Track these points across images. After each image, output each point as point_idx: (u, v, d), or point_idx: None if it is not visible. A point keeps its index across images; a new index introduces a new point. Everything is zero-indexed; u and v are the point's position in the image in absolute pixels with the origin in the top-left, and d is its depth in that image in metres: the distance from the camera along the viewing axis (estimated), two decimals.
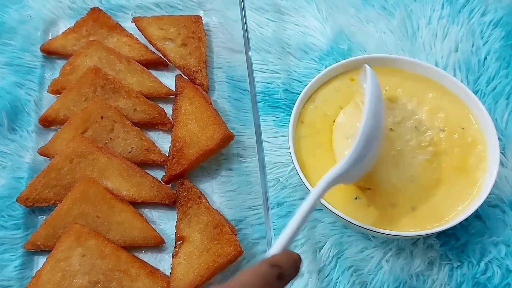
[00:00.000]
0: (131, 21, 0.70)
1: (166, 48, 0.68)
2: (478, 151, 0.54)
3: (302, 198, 0.58)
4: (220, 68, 0.68)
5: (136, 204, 0.56)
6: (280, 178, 0.59)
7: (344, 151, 0.52)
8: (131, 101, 0.62)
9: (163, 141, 0.62)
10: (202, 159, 0.59)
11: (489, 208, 0.56)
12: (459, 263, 0.54)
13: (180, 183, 0.57)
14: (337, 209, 0.49)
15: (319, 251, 0.55)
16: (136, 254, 0.54)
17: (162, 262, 0.55)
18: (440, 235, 0.55)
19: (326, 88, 0.58)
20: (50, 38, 0.69)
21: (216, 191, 0.59)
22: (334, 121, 0.56)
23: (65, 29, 0.69)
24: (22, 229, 0.56)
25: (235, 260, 0.52)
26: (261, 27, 0.71)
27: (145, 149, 0.59)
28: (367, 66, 0.50)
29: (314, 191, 0.42)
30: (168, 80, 0.67)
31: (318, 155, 0.54)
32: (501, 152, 0.56)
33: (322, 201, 0.50)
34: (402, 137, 0.54)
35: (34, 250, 0.54)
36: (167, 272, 0.53)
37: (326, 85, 0.58)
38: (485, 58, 0.67)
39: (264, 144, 0.61)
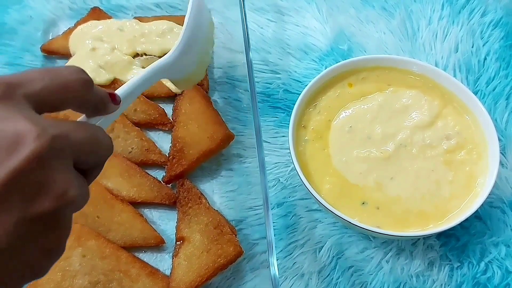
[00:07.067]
0: None
1: None
2: (478, 151, 0.54)
3: (302, 198, 0.58)
4: (220, 68, 0.68)
5: (136, 204, 0.56)
6: (280, 178, 0.59)
7: None
8: None
9: (163, 141, 0.62)
10: (202, 159, 0.59)
11: (489, 208, 0.56)
12: (459, 264, 0.54)
13: (180, 183, 0.57)
14: (339, 210, 0.49)
15: (319, 252, 0.55)
16: (136, 254, 0.54)
17: (162, 262, 0.55)
18: (440, 235, 0.55)
19: (328, 94, 0.58)
20: (50, 38, 0.69)
21: (216, 191, 0.59)
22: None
23: (65, 29, 0.69)
24: None
25: (235, 261, 0.52)
26: (261, 28, 0.71)
27: (145, 149, 0.59)
28: None
29: (142, 75, 0.42)
30: None
31: (319, 157, 0.55)
32: (501, 153, 0.56)
33: (323, 202, 0.50)
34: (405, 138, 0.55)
35: None
36: (167, 272, 0.53)
37: (327, 90, 0.58)
38: (485, 58, 0.67)
39: (264, 144, 0.61)
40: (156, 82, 0.46)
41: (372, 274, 0.53)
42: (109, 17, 0.69)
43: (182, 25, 0.68)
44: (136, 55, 0.65)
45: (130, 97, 0.40)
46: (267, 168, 0.58)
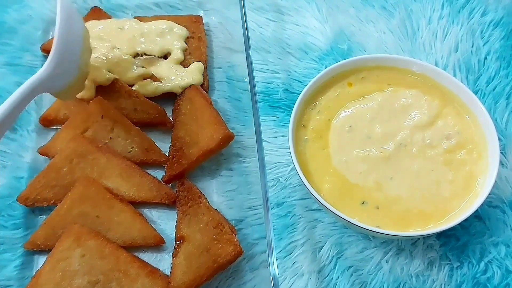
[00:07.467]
0: None
1: None
2: (478, 151, 0.54)
3: (302, 198, 0.58)
4: (220, 68, 0.68)
5: (136, 204, 0.56)
6: (280, 178, 0.59)
7: None
8: (131, 100, 0.62)
9: (163, 141, 0.62)
10: (202, 159, 0.59)
11: (489, 208, 0.56)
12: (459, 264, 0.54)
13: (180, 183, 0.57)
14: (338, 210, 0.49)
15: (319, 251, 0.55)
16: (136, 254, 0.54)
17: (162, 262, 0.55)
18: (440, 235, 0.55)
19: (328, 93, 0.58)
20: (50, 37, 0.69)
21: (216, 191, 0.59)
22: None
23: None
24: (22, 229, 0.56)
25: (234, 260, 0.52)
26: (261, 27, 0.71)
27: (145, 149, 0.59)
28: None
29: (14, 95, 0.43)
30: None
31: (319, 157, 0.54)
32: (501, 152, 0.56)
33: (323, 201, 0.50)
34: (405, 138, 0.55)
35: (34, 250, 0.54)
36: (167, 272, 0.53)
37: (327, 90, 0.58)
38: (485, 58, 0.67)
39: (264, 144, 0.61)
40: (33, 98, 0.46)
41: (371, 274, 0.53)
42: (109, 17, 0.69)
43: (182, 25, 0.68)
44: (136, 55, 0.65)
45: (6, 120, 0.39)
46: (267, 168, 0.58)
